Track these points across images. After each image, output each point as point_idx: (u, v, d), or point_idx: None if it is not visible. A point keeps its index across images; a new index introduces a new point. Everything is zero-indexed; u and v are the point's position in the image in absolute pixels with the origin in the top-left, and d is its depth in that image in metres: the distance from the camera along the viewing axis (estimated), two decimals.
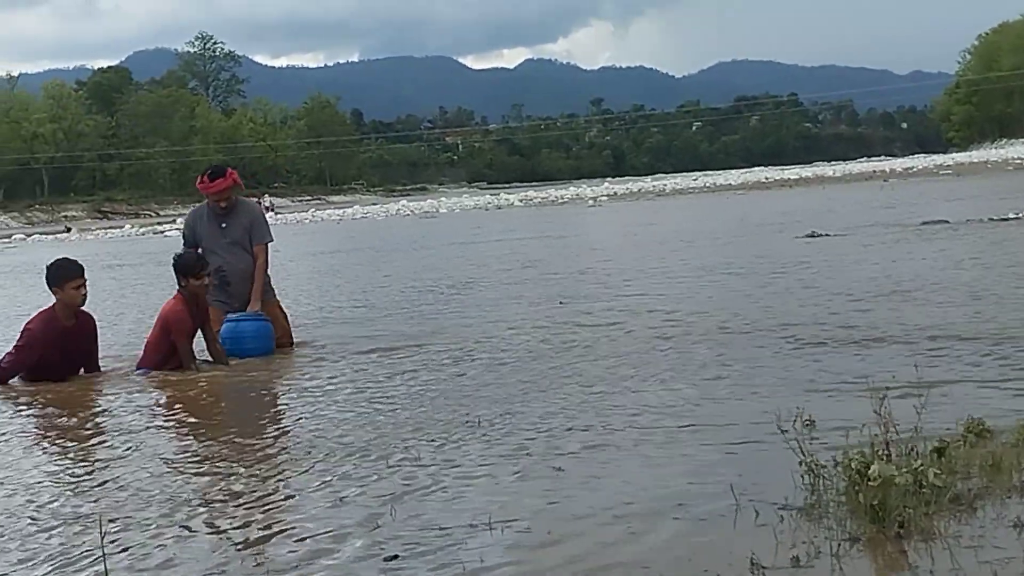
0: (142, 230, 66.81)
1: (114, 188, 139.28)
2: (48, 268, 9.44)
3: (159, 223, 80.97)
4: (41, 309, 9.66)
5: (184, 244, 10.84)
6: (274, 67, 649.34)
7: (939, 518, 4.27)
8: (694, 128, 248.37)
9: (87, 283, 9.47)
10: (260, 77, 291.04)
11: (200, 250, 10.58)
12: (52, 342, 9.32)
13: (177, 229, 59.18)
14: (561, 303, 13.14)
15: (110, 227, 79.85)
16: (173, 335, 9.67)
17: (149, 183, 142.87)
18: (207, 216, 10.80)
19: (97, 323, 9.91)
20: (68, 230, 79.06)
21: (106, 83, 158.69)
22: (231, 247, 10.67)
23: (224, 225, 10.70)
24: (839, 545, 4.10)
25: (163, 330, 9.75)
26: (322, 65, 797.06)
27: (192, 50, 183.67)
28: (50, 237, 66.61)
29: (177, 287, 9.87)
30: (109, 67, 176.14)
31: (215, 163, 11.13)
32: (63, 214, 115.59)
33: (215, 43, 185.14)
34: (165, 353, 9.74)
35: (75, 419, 8.16)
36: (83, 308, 9.58)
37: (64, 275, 9.33)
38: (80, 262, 9.54)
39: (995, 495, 4.52)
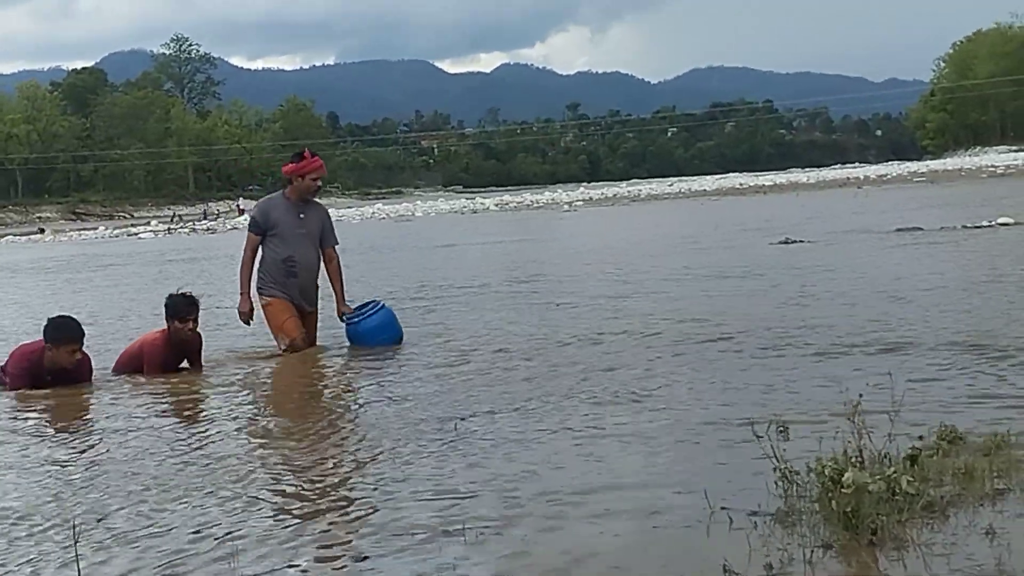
0: (115, 232, 66.54)
1: (88, 190, 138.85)
2: (50, 321, 9.21)
3: (133, 225, 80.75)
4: (25, 344, 9.53)
5: (252, 230, 10.57)
6: (250, 69, 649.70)
7: (912, 525, 4.29)
8: (669, 134, 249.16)
9: (81, 347, 9.23)
10: (236, 79, 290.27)
11: (268, 236, 10.44)
12: (31, 384, 9.17)
13: (152, 232, 59.19)
14: (557, 306, 13.26)
15: (83, 228, 79.48)
16: (145, 367, 9.72)
17: (124, 185, 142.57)
18: (283, 205, 10.57)
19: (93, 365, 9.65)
20: (41, 231, 78.72)
21: (81, 84, 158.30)
22: (304, 239, 10.52)
23: (302, 216, 10.55)
24: (812, 552, 4.11)
25: (139, 358, 9.82)
26: (298, 68, 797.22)
27: (167, 52, 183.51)
28: (23, 239, 66.30)
29: (165, 325, 9.85)
30: (84, 68, 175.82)
31: (297, 153, 11.03)
32: (37, 215, 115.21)
33: (190, 45, 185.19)
34: (135, 368, 9.80)
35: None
36: (82, 351, 9.36)
37: (64, 337, 9.08)
38: (82, 326, 9.30)
39: (967, 503, 4.53)
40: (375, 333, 10.48)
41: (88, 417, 8.23)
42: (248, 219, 11.52)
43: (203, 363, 10.03)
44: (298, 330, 10.45)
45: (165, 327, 9.81)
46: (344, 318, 10.61)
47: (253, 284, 10.59)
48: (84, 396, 8.97)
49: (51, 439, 7.49)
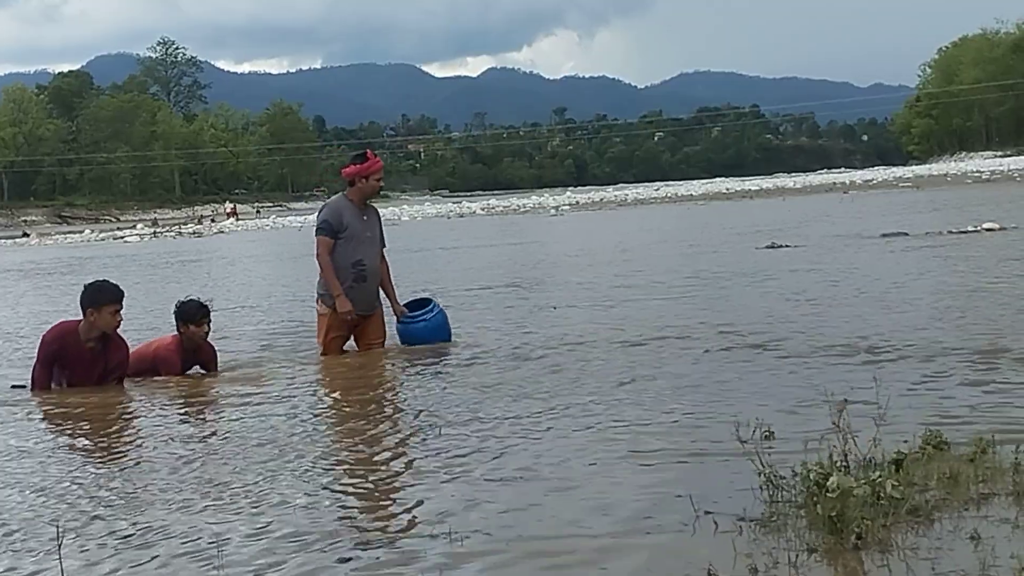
0: (101, 235, 66.29)
1: (74, 193, 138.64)
2: (86, 288, 9.14)
3: (119, 228, 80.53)
4: (63, 321, 9.47)
5: (323, 233, 10.29)
6: (237, 73, 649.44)
7: (896, 530, 4.29)
8: (656, 138, 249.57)
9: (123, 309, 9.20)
10: (223, 83, 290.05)
11: (338, 239, 10.26)
12: (66, 359, 9.12)
13: (137, 235, 58.99)
14: (554, 308, 13.38)
15: (69, 231, 79.25)
16: (163, 374, 9.67)
17: (110, 188, 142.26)
18: (350, 208, 10.43)
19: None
20: (26, 235, 78.50)
21: (67, 87, 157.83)
22: (371, 241, 10.44)
23: (365, 218, 10.46)
24: (797, 556, 4.11)
25: (151, 362, 9.76)
26: (285, 71, 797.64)
27: (154, 55, 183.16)
28: (9, 242, 66.14)
29: (176, 331, 9.81)
30: (70, 71, 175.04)
31: (356, 152, 10.96)
32: (23, 219, 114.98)
33: (177, 48, 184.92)
34: (144, 370, 9.72)
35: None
36: (119, 335, 9.34)
37: (104, 298, 9.02)
38: (120, 286, 9.29)
39: (952, 507, 4.54)
40: (433, 334, 10.59)
41: (122, 420, 8.26)
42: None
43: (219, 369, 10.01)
44: (339, 352, 10.42)
45: (175, 333, 9.77)
46: (401, 317, 10.63)
47: (315, 289, 10.60)
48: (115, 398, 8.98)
49: (76, 441, 7.50)
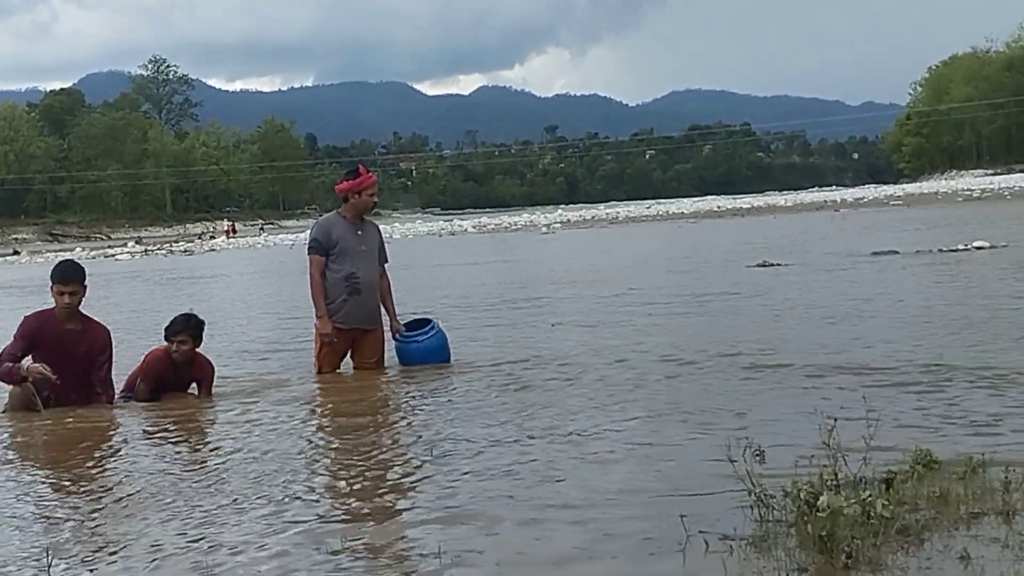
0: (92, 253, 66.21)
1: (65, 211, 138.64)
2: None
3: (110, 246, 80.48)
4: (42, 308, 9.42)
5: (313, 252, 10.40)
6: (229, 91, 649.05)
7: (887, 549, 4.28)
8: (647, 156, 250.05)
9: (76, 294, 9.04)
10: (214, 101, 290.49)
11: (330, 254, 10.29)
12: (45, 340, 9.06)
13: (129, 253, 58.97)
14: (553, 326, 13.38)
15: (60, 250, 79.22)
16: (141, 375, 9.61)
17: (101, 206, 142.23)
18: (342, 223, 10.47)
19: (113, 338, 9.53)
20: (16, 253, 78.45)
21: (58, 105, 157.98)
22: (366, 255, 10.43)
23: (360, 233, 10.46)
24: (788, 575, 4.12)
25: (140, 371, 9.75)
26: (277, 89, 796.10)
27: (145, 73, 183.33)
28: None
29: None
30: (62, 89, 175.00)
31: (350, 168, 10.97)
32: (13, 236, 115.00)
33: (168, 66, 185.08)
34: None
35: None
36: (98, 320, 9.37)
37: (53, 277, 9.06)
38: (82, 268, 9.23)
39: (942, 527, 4.53)
40: (430, 355, 10.52)
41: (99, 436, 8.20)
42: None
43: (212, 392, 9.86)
44: (332, 367, 10.40)
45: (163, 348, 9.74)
46: (398, 336, 10.59)
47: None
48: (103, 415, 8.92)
49: (64, 463, 7.48)
